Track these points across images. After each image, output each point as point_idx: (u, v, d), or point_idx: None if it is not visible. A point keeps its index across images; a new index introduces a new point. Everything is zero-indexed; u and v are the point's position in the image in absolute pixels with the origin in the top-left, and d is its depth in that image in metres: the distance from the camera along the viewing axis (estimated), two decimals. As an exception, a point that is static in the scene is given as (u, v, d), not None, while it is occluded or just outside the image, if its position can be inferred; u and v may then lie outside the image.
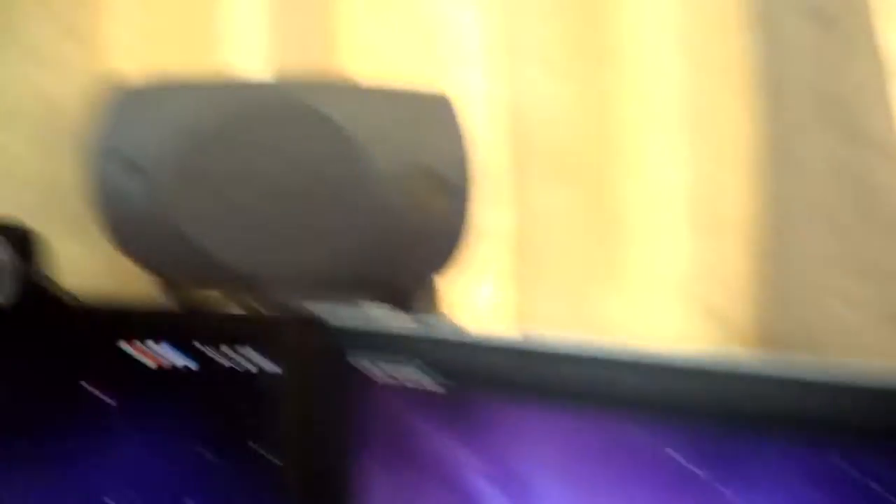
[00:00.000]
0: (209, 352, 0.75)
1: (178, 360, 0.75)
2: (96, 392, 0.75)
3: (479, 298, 0.76)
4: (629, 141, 0.82)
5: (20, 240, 0.74)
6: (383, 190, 0.69)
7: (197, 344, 0.75)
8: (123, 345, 0.75)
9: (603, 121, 0.83)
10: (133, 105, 0.73)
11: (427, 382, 0.70)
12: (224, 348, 0.75)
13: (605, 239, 0.84)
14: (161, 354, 0.75)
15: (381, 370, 0.72)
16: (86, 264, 0.85)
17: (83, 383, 0.75)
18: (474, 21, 0.88)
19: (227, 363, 0.75)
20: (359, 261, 0.71)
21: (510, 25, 0.85)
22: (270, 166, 0.70)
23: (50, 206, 0.85)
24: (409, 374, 0.71)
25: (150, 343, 0.75)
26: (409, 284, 0.74)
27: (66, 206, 0.84)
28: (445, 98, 0.69)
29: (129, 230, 0.75)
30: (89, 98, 0.82)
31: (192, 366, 0.75)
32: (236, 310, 0.79)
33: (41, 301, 0.74)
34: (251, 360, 0.75)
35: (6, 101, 0.83)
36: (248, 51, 0.91)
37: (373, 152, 0.69)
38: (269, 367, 0.75)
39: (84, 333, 0.75)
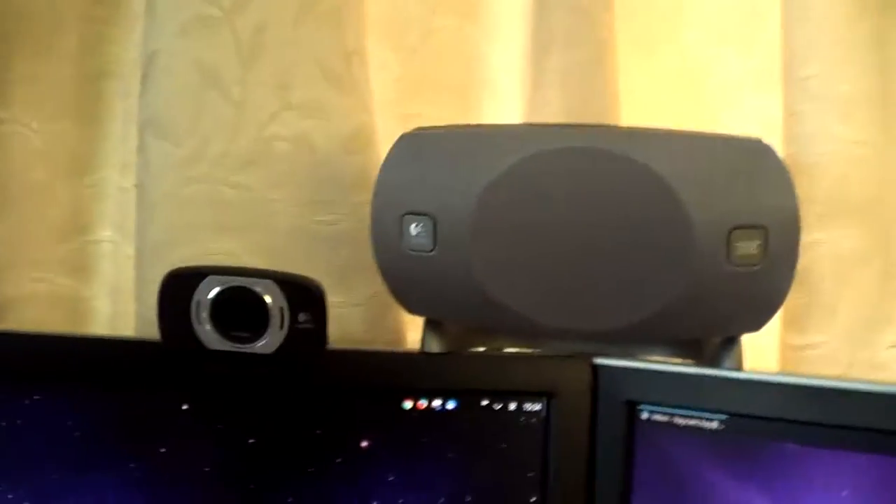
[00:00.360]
0: (471, 392, 0.74)
1: (438, 401, 0.73)
2: (353, 436, 0.74)
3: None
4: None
5: (293, 288, 0.72)
6: (703, 244, 0.64)
7: (460, 385, 0.74)
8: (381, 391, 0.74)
9: (890, 164, 0.80)
10: (420, 152, 0.70)
11: (705, 421, 0.69)
12: (488, 388, 0.74)
13: (889, 281, 0.82)
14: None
15: (657, 409, 0.72)
16: (341, 312, 0.83)
17: (339, 428, 0.74)
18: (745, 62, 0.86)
19: (488, 403, 0.74)
20: (669, 319, 0.67)
21: (788, 67, 0.81)
22: (573, 214, 0.67)
23: (303, 254, 0.83)
24: (686, 413, 0.70)
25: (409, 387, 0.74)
26: (719, 343, 0.69)
27: (319, 255, 0.83)
28: (765, 144, 0.64)
29: (409, 277, 0.73)
30: (354, 148, 0.82)
31: (453, 406, 0.73)
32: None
33: (302, 348, 0.72)
34: (516, 399, 0.74)
35: (274, 154, 0.82)
36: (509, 101, 0.89)
37: (691, 202, 0.65)
38: (536, 406, 0.74)
39: (340, 379, 0.75)
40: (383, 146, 0.70)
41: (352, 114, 0.83)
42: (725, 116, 0.89)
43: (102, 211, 0.95)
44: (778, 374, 0.67)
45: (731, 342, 0.71)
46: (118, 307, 0.95)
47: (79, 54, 0.93)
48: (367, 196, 0.72)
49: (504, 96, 0.91)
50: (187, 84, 0.81)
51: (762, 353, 0.81)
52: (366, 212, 0.72)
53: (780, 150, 0.74)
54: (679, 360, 0.73)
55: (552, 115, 0.86)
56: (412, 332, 0.83)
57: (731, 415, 0.68)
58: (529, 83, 0.88)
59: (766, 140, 0.66)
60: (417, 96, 0.90)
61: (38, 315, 0.91)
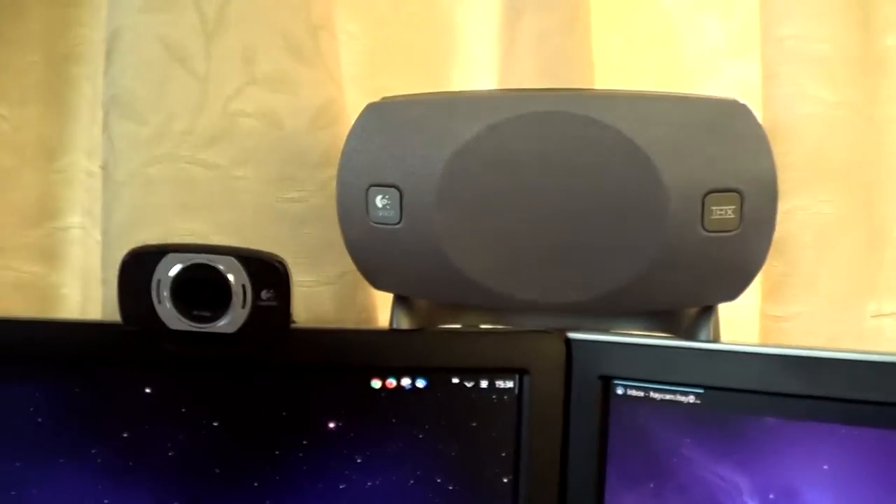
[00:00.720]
0: (441, 370, 0.73)
1: (407, 380, 0.72)
2: (320, 417, 0.73)
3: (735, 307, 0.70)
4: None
5: (255, 264, 0.70)
6: (676, 209, 0.62)
7: (430, 363, 0.73)
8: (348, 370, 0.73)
9: (871, 126, 0.78)
10: (386, 122, 0.68)
11: (680, 395, 0.68)
12: (459, 365, 0.73)
13: (872, 248, 0.79)
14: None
15: (632, 384, 0.70)
16: (311, 291, 0.81)
17: (305, 409, 0.72)
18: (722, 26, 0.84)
19: (459, 380, 0.73)
20: (643, 289, 0.64)
21: (766, 27, 0.79)
22: (542, 182, 0.65)
23: (271, 232, 0.81)
24: (662, 387, 0.69)
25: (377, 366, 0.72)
26: (694, 315, 0.67)
27: (288, 233, 0.81)
28: (741, 104, 0.62)
29: (376, 252, 0.71)
30: (322, 123, 0.81)
31: (423, 384, 0.72)
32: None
33: (265, 327, 0.70)
34: (487, 376, 0.73)
35: (239, 130, 0.80)
36: (481, 70, 0.88)
37: (663, 166, 0.63)
38: (508, 383, 0.73)
39: (306, 358, 0.73)
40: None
41: (319, 88, 0.81)
42: (704, 83, 0.86)
43: (71, 196, 0.94)
44: (755, 345, 0.65)
45: (708, 313, 0.68)
46: (88, 293, 0.92)
47: (45, 38, 0.92)
48: (335, 172, 0.70)
49: (477, 64, 0.90)
50: (151, 60, 0.79)
51: (742, 326, 0.79)
52: (334, 187, 0.70)
53: (758, 114, 0.72)
54: (655, 334, 0.71)
55: (526, 81, 0.84)
56: (384, 311, 0.80)
57: (708, 388, 0.67)
58: (502, 49, 0.86)
59: (742, 100, 0.63)
60: (389, 69, 0.88)
61: (5, 303, 0.89)
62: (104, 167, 0.83)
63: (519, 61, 0.85)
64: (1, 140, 0.89)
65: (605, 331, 0.71)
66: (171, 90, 0.79)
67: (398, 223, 0.68)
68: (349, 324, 0.82)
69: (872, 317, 0.78)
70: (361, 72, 0.87)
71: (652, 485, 0.68)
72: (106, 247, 0.83)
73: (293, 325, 0.71)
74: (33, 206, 0.92)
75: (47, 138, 0.92)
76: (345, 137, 0.70)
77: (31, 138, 0.92)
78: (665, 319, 0.71)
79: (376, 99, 0.70)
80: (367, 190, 0.68)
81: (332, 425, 0.72)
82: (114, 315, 0.71)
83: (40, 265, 0.92)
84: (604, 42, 0.85)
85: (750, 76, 0.82)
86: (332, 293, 0.82)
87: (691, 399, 0.67)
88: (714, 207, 0.64)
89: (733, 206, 0.64)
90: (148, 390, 0.72)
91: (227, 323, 0.69)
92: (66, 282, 0.93)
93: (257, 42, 0.79)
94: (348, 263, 0.73)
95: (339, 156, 0.70)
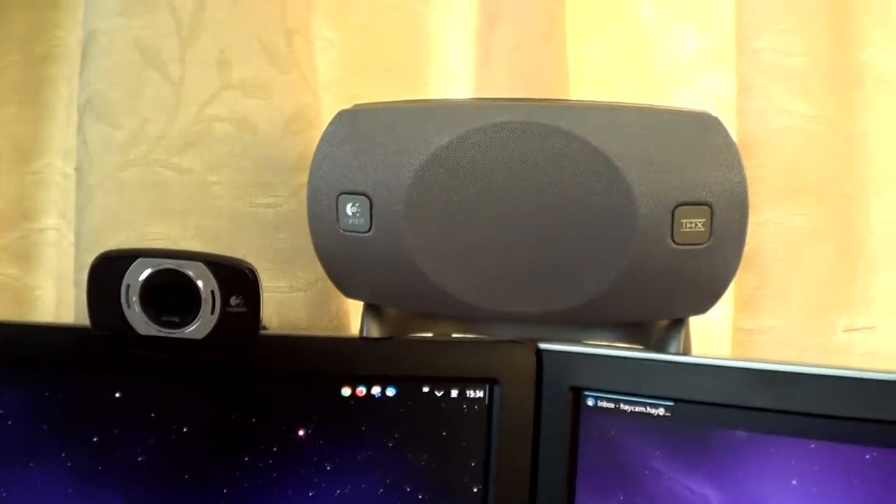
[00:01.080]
0: (411, 379, 0.73)
1: (377, 388, 0.72)
2: (289, 424, 0.72)
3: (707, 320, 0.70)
4: (874, 161, 0.78)
5: (223, 271, 0.70)
6: (646, 222, 0.62)
7: (400, 371, 0.73)
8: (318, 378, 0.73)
9: (845, 140, 0.77)
10: (357, 129, 0.67)
11: (651, 408, 0.68)
12: (429, 374, 0.73)
13: (845, 262, 0.79)
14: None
15: (602, 395, 0.70)
16: (284, 297, 0.81)
17: (275, 416, 0.72)
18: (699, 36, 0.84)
19: (430, 389, 0.72)
20: (613, 301, 0.64)
21: (742, 40, 0.78)
22: (512, 192, 0.65)
23: (244, 238, 0.81)
24: (632, 399, 0.69)
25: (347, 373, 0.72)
26: (664, 326, 0.66)
27: (261, 239, 0.81)
28: (712, 116, 0.62)
29: (346, 260, 0.70)
30: (296, 129, 0.80)
31: (392, 393, 0.72)
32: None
33: (234, 333, 0.70)
34: (458, 385, 0.73)
35: (214, 135, 0.79)
36: (456, 79, 0.87)
37: (633, 178, 0.63)
38: (478, 393, 0.72)
39: (275, 365, 0.73)
40: (329, 127, 0.67)
41: (294, 93, 0.81)
42: (679, 94, 0.86)
43: (46, 198, 0.93)
44: (724, 358, 0.64)
45: (678, 325, 0.68)
46: (63, 295, 0.92)
47: (24, 39, 0.91)
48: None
49: (453, 73, 0.89)
50: (126, 63, 0.79)
51: (716, 339, 0.78)
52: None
53: (733, 127, 0.72)
54: (626, 345, 0.70)
55: (501, 90, 0.84)
56: (358, 318, 0.80)
57: (678, 401, 0.66)
58: (478, 58, 0.86)
59: (714, 113, 0.63)
60: (365, 76, 0.88)
61: (-20, 306, 0.89)
62: (78, 170, 0.82)
63: (494, 71, 0.84)
64: (-23, 141, 0.88)
65: (577, 342, 0.71)
66: (146, 94, 0.79)
67: (368, 231, 0.67)
68: (322, 330, 0.82)
69: (844, 331, 0.78)
70: (338, 78, 0.87)
71: (622, 496, 0.68)
72: (79, 250, 0.83)
73: (262, 332, 0.71)
74: (9, 208, 0.91)
75: (23, 139, 0.92)
76: (318, 144, 0.69)
77: (7, 139, 0.91)
78: (636, 331, 0.70)
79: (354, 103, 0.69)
80: (338, 197, 0.68)
81: (301, 432, 0.72)
82: (87, 318, 0.70)
83: (15, 267, 0.92)
84: (579, 52, 0.85)
85: (725, 88, 0.81)
86: (305, 299, 0.81)
87: (661, 411, 0.66)
88: (684, 220, 0.63)
89: (703, 219, 0.63)
90: (118, 395, 0.71)
91: (196, 329, 0.69)
92: (40, 284, 0.93)
93: (232, 47, 0.79)
94: (322, 270, 0.72)
95: (312, 162, 0.69)
